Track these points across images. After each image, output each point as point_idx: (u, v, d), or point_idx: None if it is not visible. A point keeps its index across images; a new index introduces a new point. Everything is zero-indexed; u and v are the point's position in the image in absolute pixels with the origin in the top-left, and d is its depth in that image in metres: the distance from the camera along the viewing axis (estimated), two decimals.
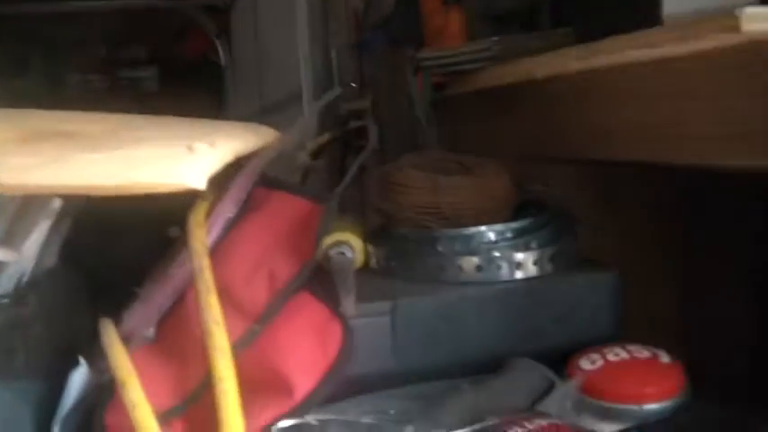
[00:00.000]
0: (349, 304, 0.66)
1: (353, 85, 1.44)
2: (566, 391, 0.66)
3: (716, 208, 0.99)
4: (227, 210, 0.73)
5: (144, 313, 0.72)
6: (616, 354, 0.69)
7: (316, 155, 1.23)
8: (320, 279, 0.70)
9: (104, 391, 0.68)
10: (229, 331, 0.63)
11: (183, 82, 2.18)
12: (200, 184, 0.53)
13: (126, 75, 2.42)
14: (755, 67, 0.58)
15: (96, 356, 0.71)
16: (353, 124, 1.36)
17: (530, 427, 0.58)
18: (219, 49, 2.16)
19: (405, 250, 0.78)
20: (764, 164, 0.56)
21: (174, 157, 0.54)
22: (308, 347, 0.64)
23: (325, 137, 1.34)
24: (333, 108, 1.49)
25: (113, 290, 0.78)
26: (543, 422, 0.59)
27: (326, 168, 1.32)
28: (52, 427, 0.68)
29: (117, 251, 0.89)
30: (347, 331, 0.65)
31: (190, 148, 0.55)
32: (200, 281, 0.65)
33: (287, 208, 0.73)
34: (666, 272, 1.05)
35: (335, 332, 0.64)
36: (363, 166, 1.11)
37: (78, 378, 0.69)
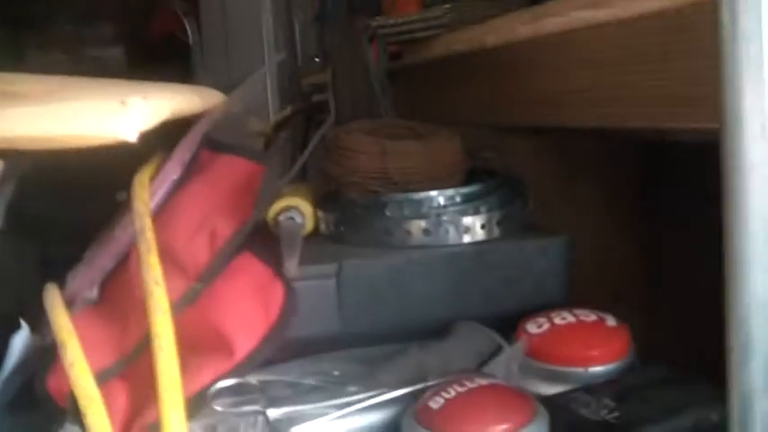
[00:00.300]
0: (292, 266, 0.65)
1: (317, 59, 1.44)
2: (512, 354, 0.66)
3: (673, 174, 0.99)
4: (172, 171, 0.72)
5: (87, 276, 0.71)
6: (563, 317, 0.69)
7: (278, 128, 1.23)
8: (265, 242, 0.70)
9: (47, 355, 0.67)
10: (171, 291, 0.63)
11: (150, 61, 2.15)
12: (132, 136, 0.53)
13: (92, 53, 2.40)
14: (699, 28, 0.58)
15: (42, 321, 0.70)
16: (316, 98, 1.35)
17: (470, 386, 0.58)
18: (188, 27, 2.14)
19: (353, 215, 0.77)
20: (711, 125, 0.55)
21: (106, 111, 0.53)
22: (249, 307, 0.63)
23: (288, 110, 1.34)
24: (295, 83, 1.49)
25: (63, 255, 0.77)
26: (484, 382, 0.59)
27: (290, 142, 1.32)
28: None
29: (67, 216, 0.88)
30: (289, 292, 0.64)
31: (123, 102, 0.54)
32: (141, 241, 0.64)
33: (231, 169, 0.72)
34: (625, 239, 1.06)
35: (277, 292, 0.64)
36: (324, 139, 1.11)
37: (19, 341, 0.69)
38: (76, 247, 0.77)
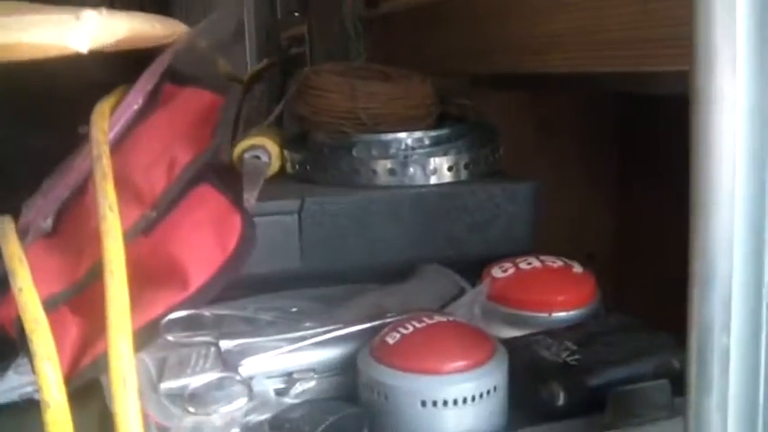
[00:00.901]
0: (251, 197, 0.63)
1: (296, 14, 1.42)
2: (474, 297, 0.65)
3: (649, 133, 0.99)
4: (134, 101, 0.70)
5: (43, 205, 0.69)
6: (529, 263, 0.68)
7: (253, 80, 1.21)
8: (226, 178, 0.68)
9: None
10: (126, 219, 0.61)
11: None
12: (83, 47, 0.51)
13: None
14: None
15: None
16: (294, 51, 1.34)
17: (428, 322, 0.56)
18: None
19: (320, 155, 0.76)
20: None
21: (59, 22, 0.52)
22: (205, 239, 0.62)
23: (264, 62, 1.32)
24: (274, 37, 1.48)
25: (25, 189, 0.76)
26: (443, 319, 0.58)
27: (266, 95, 1.31)
28: None
29: (30, 150, 0.86)
30: (248, 225, 0.62)
31: (77, 16, 0.52)
32: (97, 167, 0.63)
33: (194, 101, 0.70)
34: (602, 196, 1.05)
35: (235, 225, 0.62)
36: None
37: None
38: (36, 179, 0.75)
